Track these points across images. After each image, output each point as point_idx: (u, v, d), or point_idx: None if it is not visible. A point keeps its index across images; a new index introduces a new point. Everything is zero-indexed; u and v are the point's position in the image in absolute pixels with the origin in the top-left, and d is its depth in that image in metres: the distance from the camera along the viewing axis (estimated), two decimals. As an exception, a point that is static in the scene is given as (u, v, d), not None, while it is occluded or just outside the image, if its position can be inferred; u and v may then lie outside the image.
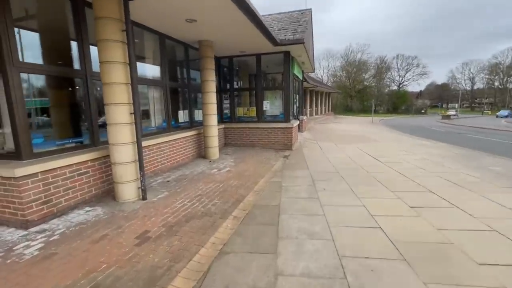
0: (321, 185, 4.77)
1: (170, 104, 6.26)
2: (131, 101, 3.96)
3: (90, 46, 4.12)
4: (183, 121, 7.05)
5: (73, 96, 4.25)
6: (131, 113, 3.96)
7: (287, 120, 8.50)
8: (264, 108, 8.70)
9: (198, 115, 7.69)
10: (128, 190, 4.03)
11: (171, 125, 6.39)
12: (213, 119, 6.98)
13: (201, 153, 7.38)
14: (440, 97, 74.79)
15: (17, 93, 3.18)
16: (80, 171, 3.83)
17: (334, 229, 3.08)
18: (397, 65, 64.08)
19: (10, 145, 3.40)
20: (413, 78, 64.88)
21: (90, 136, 4.23)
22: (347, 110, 51.35)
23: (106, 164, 4.22)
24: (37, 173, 3.24)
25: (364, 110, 50.27)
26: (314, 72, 13.31)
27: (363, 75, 56.10)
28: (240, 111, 9.13)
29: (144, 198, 4.11)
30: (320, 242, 2.79)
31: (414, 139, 11.88)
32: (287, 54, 8.32)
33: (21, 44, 3.32)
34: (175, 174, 5.62)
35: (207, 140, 7.03)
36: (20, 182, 3.08)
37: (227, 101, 9.21)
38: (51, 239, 2.94)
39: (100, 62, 3.76)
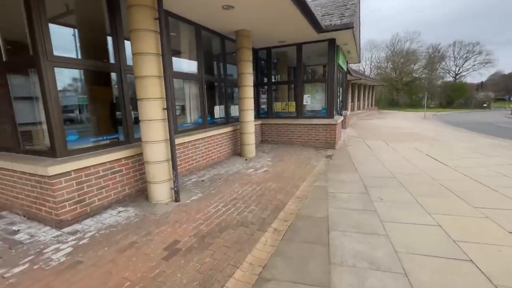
0: (376, 193, 4.02)
1: (206, 99, 5.97)
2: (164, 96, 3.68)
3: (125, 41, 3.93)
4: (219, 116, 6.74)
5: (107, 91, 4.12)
6: (164, 109, 3.68)
7: (330, 115, 7.70)
8: (305, 103, 8.00)
9: (234, 110, 7.33)
10: (160, 191, 3.79)
11: (207, 121, 6.10)
12: (250, 115, 6.54)
13: (237, 150, 7.02)
14: (507, 88, 64.42)
15: (51, 88, 3.06)
16: (114, 170, 3.67)
17: (404, 257, 2.39)
18: (453, 53, 56.42)
19: (47, 141, 3.34)
20: (473, 67, 56.51)
21: (124, 132, 4.08)
22: (392, 104, 47.15)
23: (140, 162, 4.03)
24: (70, 171, 3.11)
25: (412, 105, 45.62)
26: (359, 62, 12.08)
27: (412, 66, 50.81)
28: (278, 106, 8.56)
29: (177, 199, 3.83)
30: (388, 276, 2.14)
31: (482, 137, 10.07)
32: (332, 42, 7.47)
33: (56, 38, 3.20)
34: (210, 173, 5.32)
35: (243, 137, 6.63)
36: (53, 181, 2.97)
37: (264, 96, 8.71)
38: (80, 242, 2.76)
39: (132, 54, 3.52)
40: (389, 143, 8.53)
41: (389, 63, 52.47)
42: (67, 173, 3.09)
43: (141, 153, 3.92)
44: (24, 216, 3.45)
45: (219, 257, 2.45)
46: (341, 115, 10.37)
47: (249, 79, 6.40)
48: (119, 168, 3.75)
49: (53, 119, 3.10)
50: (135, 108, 3.97)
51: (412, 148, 7.68)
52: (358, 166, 5.67)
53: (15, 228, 3.16)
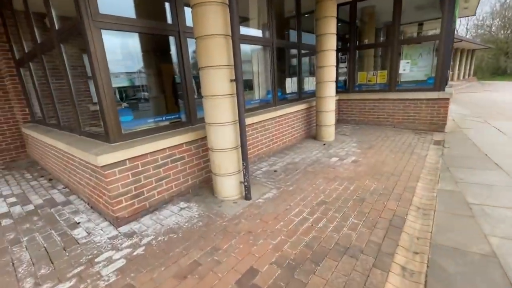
0: None
1: (276, 70, 4.88)
2: (232, 63, 2.74)
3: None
4: (290, 91, 5.62)
5: (166, 63, 3.42)
6: (231, 80, 2.77)
7: (439, 87, 5.69)
8: (402, 71, 6.12)
9: (308, 83, 6.08)
10: (227, 185, 3.01)
11: (277, 97, 5.06)
12: (330, 88, 5.20)
13: (311, 132, 5.86)
14: None
15: (99, 56, 2.44)
16: (175, 157, 3.02)
17: None
18: None
19: (101, 123, 2.83)
20: None
21: (186, 111, 3.38)
22: (498, 74, 37.23)
23: (204, 147, 3.33)
24: (124, 160, 2.54)
25: (528, 73, 35.08)
26: (475, 15, 8.98)
27: (533, 20, 38.35)
28: (363, 77, 6.86)
29: (247, 197, 3.01)
30: None
31: None
32: (451, -19, 5.27)
33: None
34: (283, 160, 4.36)
35: (320, 116, 5.39)
36: (106, 172, 2.43)
37: (344, 64, 7.08)
38: (134, 253, 2.18)
39: (191, 6, 2.62)
40: (530, 125, 6.00)
41: (497, 19, 40.97)
42: (121, 162, 2.52)
43: (205, 137, 3.18)
44: (88, 204, 3.15)
45: (324, 319, 1.49)
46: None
47: (331, 41, 4.97)
48: (181, 155, 3.10)
49: (103, 96, 2.51)
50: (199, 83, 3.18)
51: None
52: (499, 161, 3.86)
53: (76, 219, 2.84)
